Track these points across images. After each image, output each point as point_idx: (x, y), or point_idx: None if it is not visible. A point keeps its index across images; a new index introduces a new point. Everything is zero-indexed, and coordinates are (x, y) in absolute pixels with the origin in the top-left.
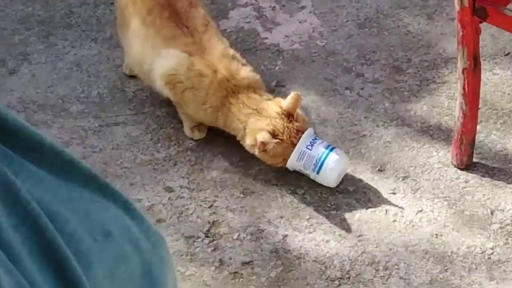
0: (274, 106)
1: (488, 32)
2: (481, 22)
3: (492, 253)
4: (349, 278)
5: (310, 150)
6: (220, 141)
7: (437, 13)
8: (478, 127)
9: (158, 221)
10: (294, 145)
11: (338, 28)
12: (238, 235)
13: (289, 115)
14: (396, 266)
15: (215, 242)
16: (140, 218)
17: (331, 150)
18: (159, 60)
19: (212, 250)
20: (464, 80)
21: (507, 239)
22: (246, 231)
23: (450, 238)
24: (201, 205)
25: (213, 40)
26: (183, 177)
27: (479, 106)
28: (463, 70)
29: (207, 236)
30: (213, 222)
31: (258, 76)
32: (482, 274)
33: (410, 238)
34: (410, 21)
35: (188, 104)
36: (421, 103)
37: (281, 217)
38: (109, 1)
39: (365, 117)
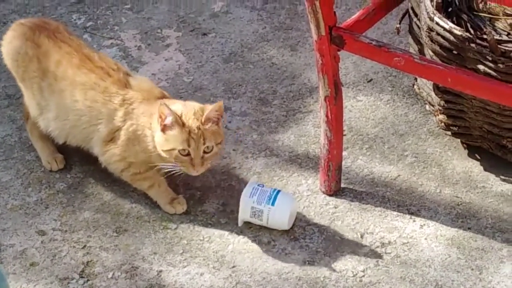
0: (197, 107)
1: (350, 60)
2: (339, 50)
3: (364, 276)
4: None
5: (262, 187)
6: (91, 181)
7: (300, 45)
8: (345, 153)
9: (32, 265)
10: (190, 136)
11: (204, 64)
12: (113, 274)
13: (201, 115)
14: None
15: (89, 282)
16: None
17: (278, 190)
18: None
19: None
20: (327, 107)
21: (377, 261)
22: (120, 269)
23: (322, 264)
24: (74, 246)
25: (128, 75)
26: (55, 220)
27: (345, 132)
28: (325, 97)
29: (82, 277)
30: (87, 262)
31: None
32: None
33: (283, 266)
34: (274, 54)
35: (132, 146)
36: (289, 133)
37: (155, 253)
38: None
39: (234, 150)
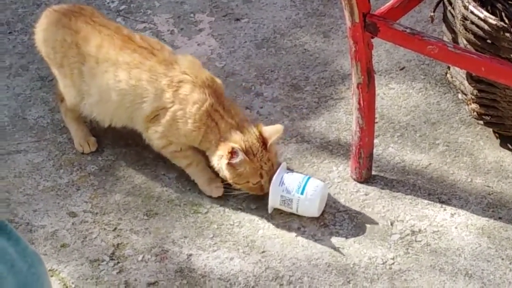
0: (254, 128)
1: (383, 48)
2: (372, 37)
3: (393, 263)
4: None
5: (292, 174)
6: (122, 164)
7: (332, 31)
8: (376, 140)
9: (62, 246)
10: (261, 168)
11: (236, 49)
12: (143, 257)
13: (265, 142)
14: (299, 280)
15: (120, 264)
16: (16, 238)
17: (308, 177)
18: (134, 109)
19: (117, 273)
20: (359, 94)
21: (407, 249)
22: (150, 252)
23: (352, 251)
24: (105, 229)
25: (173, 54)
26: (86, 202)
27: (376, 120)
28: (358, 85)
29: (112, 259)
30: (118, 244)
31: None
32: (384, 284)
33: (313, 252)
34: (306, 40)
35: (176, 129)
36: (320, 120)
37: (185, 237)
38: (7, 31)
39: None
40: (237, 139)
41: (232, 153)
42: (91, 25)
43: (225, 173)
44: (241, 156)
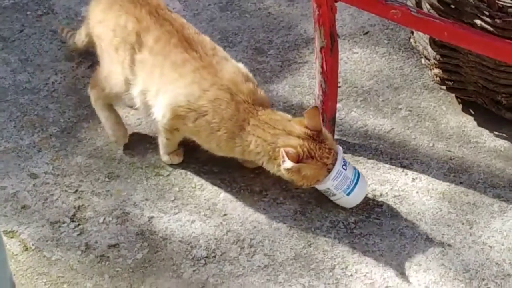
0: (300, 126)
1: (347, 12)
2: (336, 1)
3: (355, 227)
4: (214, 257)
5: (345, 170)
6: (84, 126)
7: None
8: (339, 105)
9: (23, 207)
10: (326, 164)
11: (200, 12)
12: (104, 219)
13: (318, 133)
14: (261, 243)
15: (80, 226)
16: None
17: (358, 174)
18: (168, 92)
19: (78, 235)
20: (322, 58)
21: (369, 213)
22: (111, 215)
23: (313, 214)
24: (66, 191)
25: (223, 62)
26: (47, 163)
27: (339, 84)
28: (321, 49)
29: (73, 221)
30: (79, 207)
31: (267, 96)
32: (345, 248)
33: (274, 215)
34: (271, 3)
35: (200, 133)
36: (283, 83)
37: (147, 200)
38: None
39: None
40: (293, 144)
41: (288, 155)
42: (155, 17)
43: (290, 178)
44: (304, 165)
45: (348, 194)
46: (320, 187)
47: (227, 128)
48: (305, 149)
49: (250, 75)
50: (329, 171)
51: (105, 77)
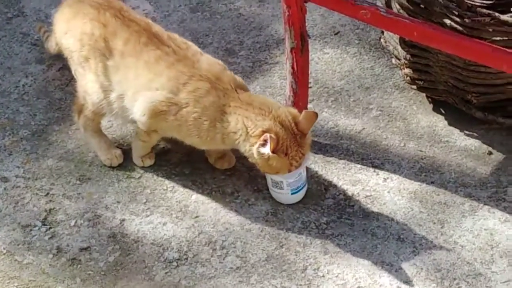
0: (291, 118)
1: (318, 13)
2: (306, 2)
3: (327, 228)
4: (186, 259)
5: (302, 174)
6: (55, 129)
7: None
8: (310, 105)
9: None
10: (292, 165)
11: (171, 13)
12: (75, 222)
13: (301, 135)
14: (233, 245)
15: (52, 230)
16: None
17: (306, 179)
18: (146, 92)
19: (50, 238)
20: (293, 59)
21: (340, 214)
22: (83, 217)
23: (285, 215)
24: (37, 194)
25: (199, 54)
26: (18, 167)
27: (310, 85)
28: (291, 49)
29: (44, 224)
30: (50, 210)
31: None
32: (317, 248)
33: (246, 217)
34: (241, 4)
35: (181, 127)
36: (254, 84)
37: (118, 202)
38: None
39: None
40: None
41: (269, 140)
42: (121, 19)
43: (255, 160)
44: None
45: (292, 194)
46: (276, 177)
47: (208, 116)
48: (285, 145)
49: (226, 67)
50: (290, 171)
51: (84, 91)
